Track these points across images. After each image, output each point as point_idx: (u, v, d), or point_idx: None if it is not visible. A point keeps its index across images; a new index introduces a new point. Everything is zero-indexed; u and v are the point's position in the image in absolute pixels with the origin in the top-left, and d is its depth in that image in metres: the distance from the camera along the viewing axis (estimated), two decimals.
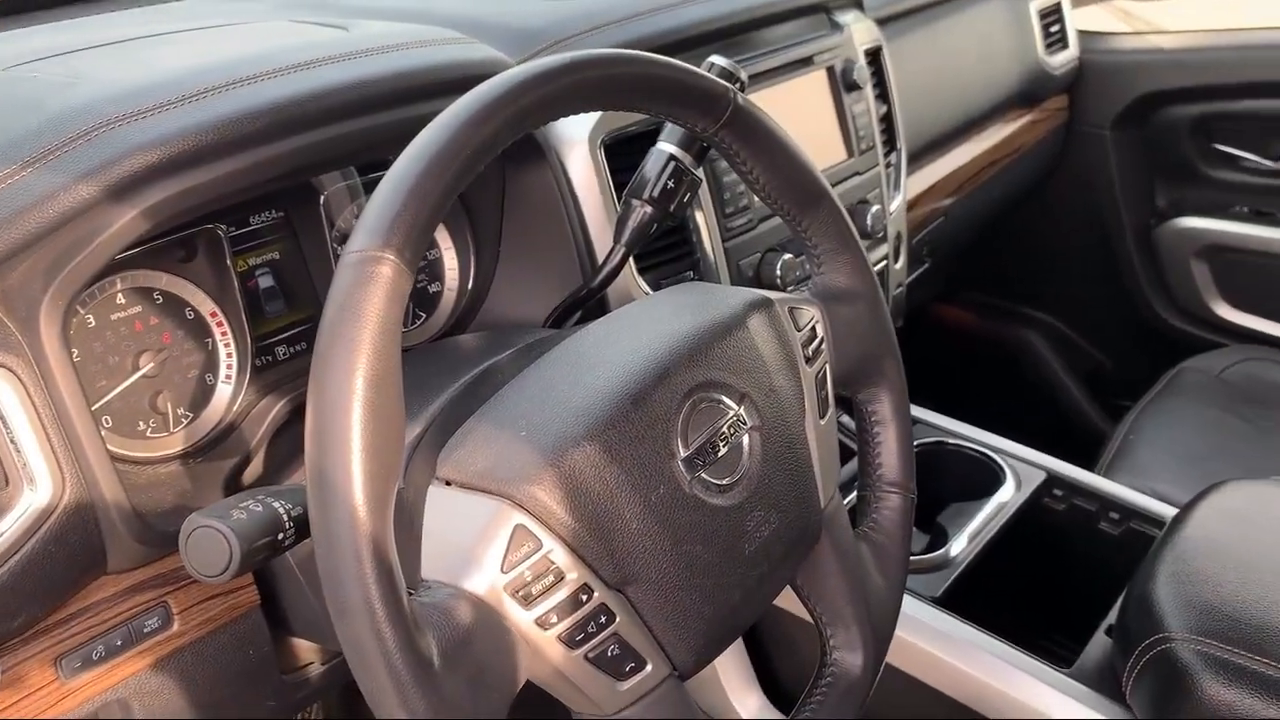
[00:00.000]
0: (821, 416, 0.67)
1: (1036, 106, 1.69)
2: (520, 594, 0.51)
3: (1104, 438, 1.52)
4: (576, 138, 0.88)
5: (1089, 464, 1.44)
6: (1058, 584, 1.13)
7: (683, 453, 0.57)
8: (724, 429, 0.59)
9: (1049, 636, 1.02)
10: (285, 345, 0.77)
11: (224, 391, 0.74)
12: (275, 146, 0.66)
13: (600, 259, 0.86)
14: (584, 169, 0.87)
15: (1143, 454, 1.40)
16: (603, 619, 0.53)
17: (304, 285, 0.78)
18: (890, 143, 1.25)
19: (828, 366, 0.69)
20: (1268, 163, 1.68)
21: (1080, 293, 1.93)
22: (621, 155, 0.90)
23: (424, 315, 0.88)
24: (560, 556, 0.52)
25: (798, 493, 0.63)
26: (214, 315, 0.73)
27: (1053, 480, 1.16)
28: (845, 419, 1.16)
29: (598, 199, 0.87)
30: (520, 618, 0.51)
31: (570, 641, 0.53)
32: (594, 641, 0.53)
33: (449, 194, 0.49)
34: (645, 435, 0.55)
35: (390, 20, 0.89)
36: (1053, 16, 1.70)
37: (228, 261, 0.73)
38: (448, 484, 0.54)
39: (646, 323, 0.62)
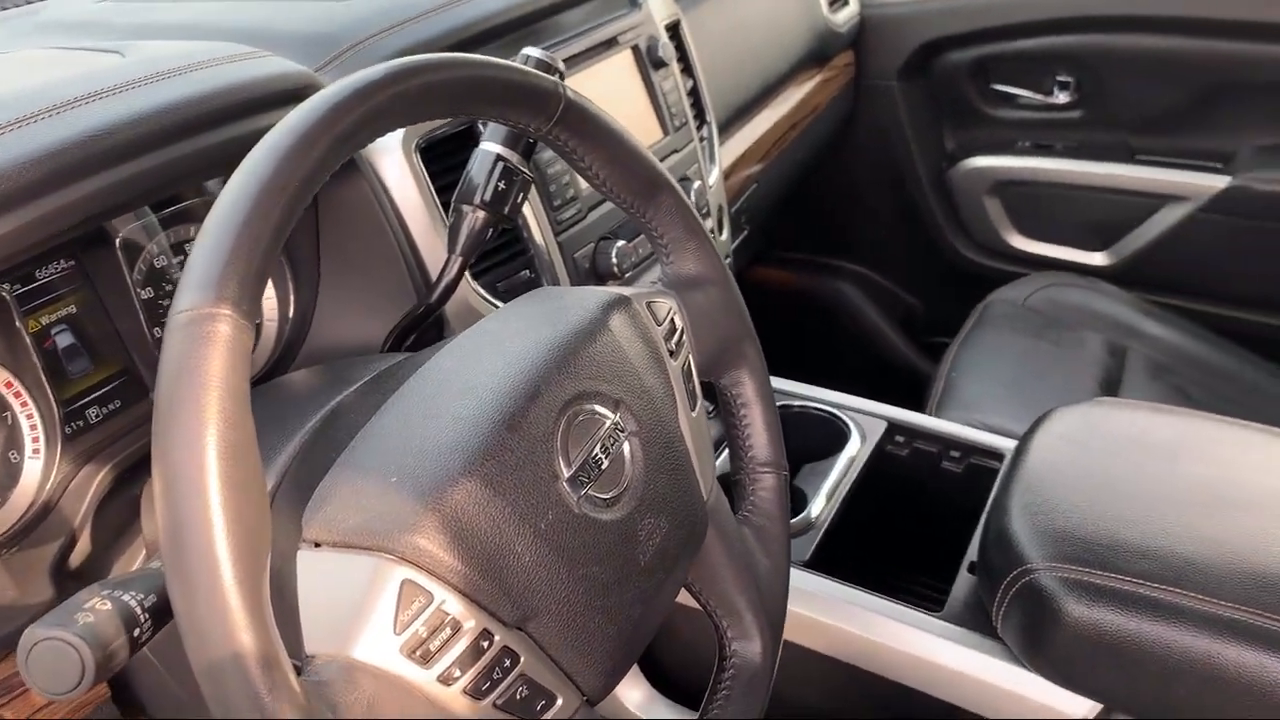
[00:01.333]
0: (692, 409, 0.65)
1: (826, 65, 1.73)
2: (418, 653, 0.48)
3: (927, 378, 1.59)
4: (389, 145, 0.83)
5: (919, 406, 1.50)
6: (916, 529, 1.17)
7: (566, 472, 0.54)
8: (604, 440, 0.56)
9: (918, 581, 1.05)
10: (96, 407, 0.69)
11: (33, 468, 0.66)
12: (58, 197, 0.58)
13: (431, 271, 0.82)
14: (401, 177, 0.83)
15: (967, 389, 1.46)
16: (507, 662, 0.50)
17: (109, 338, 0.70)
18: (700, 116, 1.24)
19: (691, 357, 0.67)
20: (1040, 97, 1.78)
21: (886, 240, 2.00)
22: (439, 158, 0.85)
23: None
24: (454, 606, 0.49)
25: (682, 492, 0.61)
26: (9, 385, 0.65)
27: (893, 428, 1.19)
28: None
29: (421, 208, 0.83)
30: (421, 678, 0.48)
31: (476, 693, 0.49)
32: (501, 687, 0.50)
33: (280, 233, 0.44)
34: (526, 460, 0.52)
35: (167, 39, 0.81)
36: None
37: (17, 324, 0.65)
38: (318, 545, 0.49)
39: (506, 339, 0.58)
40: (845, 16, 1.75)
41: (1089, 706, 0.89)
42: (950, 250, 1.91)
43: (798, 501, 1.06)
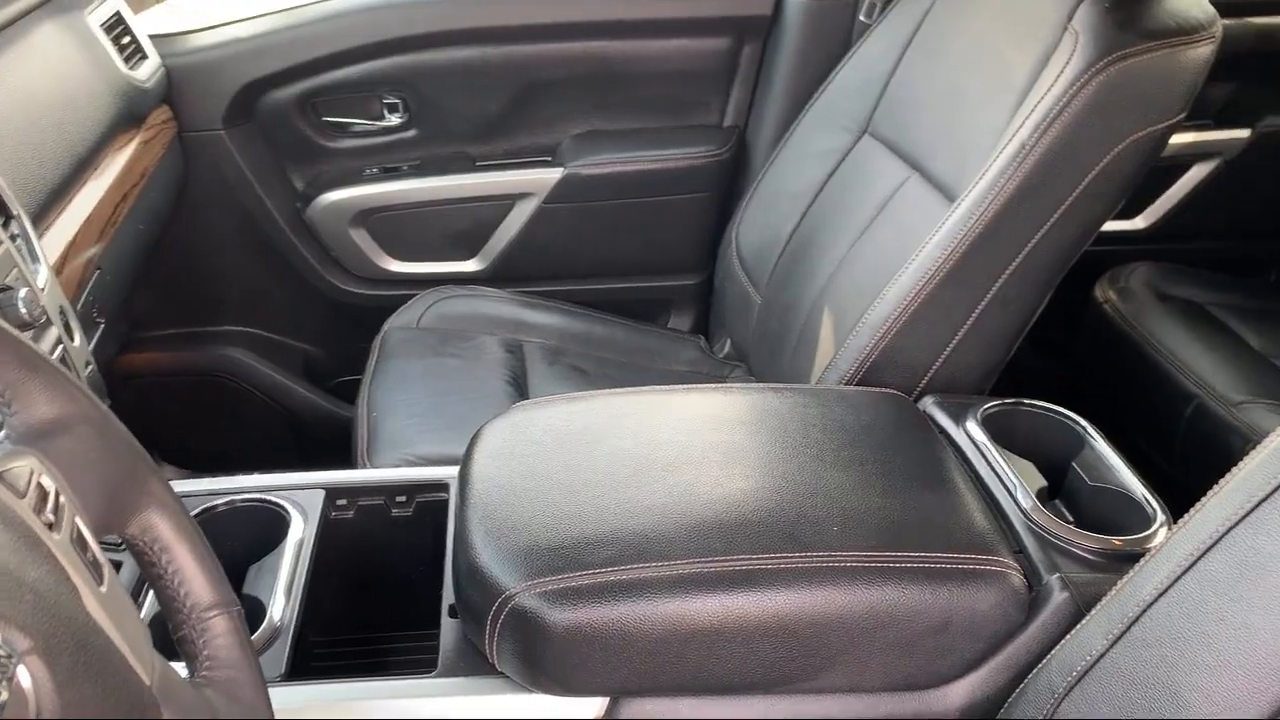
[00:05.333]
0: (100, 583, 0.53)
1: (143, 125, 1.57)
2: None
3: (349, 421, 1.53)
4: None
5: (349, 458, 1.44)
6: (392, 589, 1.12)
7: None
8: None
9: (410, 639, 1.01)
10: None
11: None
12: None
13: None
14: None
15: (391, 427, 1.44)
16: None
17: None
18: (4, 214, 1.04)
19: (79, 520, 0.55)
20: (374, 123, 1.79)
21: (262, 293, 1.89)
22: None
23: None
24: None
25: (116, 692, 0.49)
26: None
27: (333, 493, 1.12)
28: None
29: None
30: None
31: None
32: None
33: None
34: None
35: None
36: (119, 28, 1.57)
37: None
38: None
39: None
40: (148, 71, 1.60)
41: (597, 705, 0.91)
42: (331, 289, 1.86)
43: (254, 613, 0.95)
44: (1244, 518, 0.72)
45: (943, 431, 1.13)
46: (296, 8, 1.71)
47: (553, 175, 1.80)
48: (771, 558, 0.88)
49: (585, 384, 1.58)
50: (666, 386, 1.12)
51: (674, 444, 1.00)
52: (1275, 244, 2.05)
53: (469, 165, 1.83)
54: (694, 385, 1.13)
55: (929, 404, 1.19)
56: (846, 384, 1.22)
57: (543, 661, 0.88)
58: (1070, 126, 1.12)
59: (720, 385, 1.15)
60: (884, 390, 1.18)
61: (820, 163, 1.54)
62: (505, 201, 1.83)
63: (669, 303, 1.97)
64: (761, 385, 1.13)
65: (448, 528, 1.06)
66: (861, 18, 1.69)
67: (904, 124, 1.42)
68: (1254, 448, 0.76)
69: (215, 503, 1.08)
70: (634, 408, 1.08)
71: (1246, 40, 1.78)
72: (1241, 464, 0.75)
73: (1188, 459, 1.56)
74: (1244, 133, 1.88)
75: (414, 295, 1.74)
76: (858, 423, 1.07)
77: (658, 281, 1.93)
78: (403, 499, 1.13)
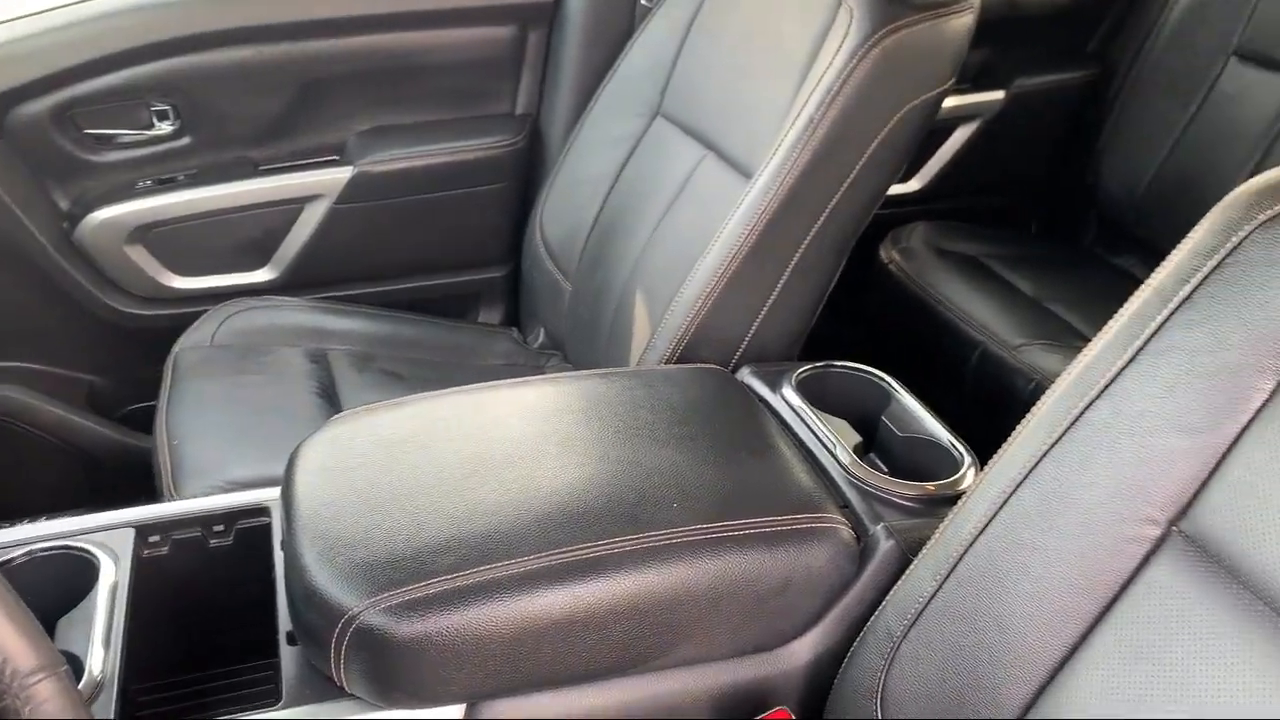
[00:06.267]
0: None
1: None
2: None
3: (148, 451, 1.44)
4: None
5: (153, 492, 1.36)
6: (221, 626, 1.06)
7: None
8: None
9: (253, 672, 0.96)
10: None
11: None
12: None
13: None
14: None
15: (197, 454, 1.36)
16: None
17: None
18: None
19: None
20: (142, 133, 1.68)
21: (35, 323, 1.74)
22: None
23: None
24: None
25: None
26: None
27: (143, 530, 1.05)
28: None
29: None
30: None
31: None
32: None
33: None
34: None
35: None
36: None
37: None
38: None
39: None
40: None
41: (455, 712, 0.90)
42: (110, 313, 1.73)
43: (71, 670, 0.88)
44: (1046, 453, 0.79)
45: (762, 400, 1.17)
46: (45, 11, 1.57)
47: (342, 175, 1.74)
48: (617, 542, 0.89)
49: (400, 388, 1.55)
50: (490, 382, 1.11)
51: (506, 440, 1.00)
52: (1034, 196, 2.22)
53: (251, 170, 1.74)
54: (519, 379, 1.12)
55: (746, 374, 1.23)
56: (667, 363, 1.25)
57: (394, 677, 0.85)
58: (853, 98, 1.18)
59: (545, 376, 1.14)
60: (704, 365, 1.21)
61: (616, 147, 1.56)
62: (294, 205, 1.75)
63: (477, 297, 1.94)
64: (586, 372, 1.13)
65: (274, 553, 1.02)
66: (643, 1, 1.71)
67: (694, 105, 1.45)
68: (1036, 386, 0.83)
69: (11, 555, 0.99)
70: (460, 407, 1.06)
71: (998, 7, 1.92)
72: (1038, 405, 0.82)
73: (978, 402, 1.68)
74: (999, 94, 2.02)
75: (204, 311, 1.65)
76: (684, 400, 1.09)
77: (464, 276, 1.91)
78: (220, 528, 1.07)
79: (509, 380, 1.12)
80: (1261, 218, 0.72)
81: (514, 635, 0.86)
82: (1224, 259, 0.72)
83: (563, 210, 1.65)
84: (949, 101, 1.96)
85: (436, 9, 1.71)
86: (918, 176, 2.08)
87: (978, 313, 1.74)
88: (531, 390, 1.10)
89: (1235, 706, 0.65)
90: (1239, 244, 0.72)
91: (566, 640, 0.87)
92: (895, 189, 2.02)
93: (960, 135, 2.04)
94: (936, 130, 2.01)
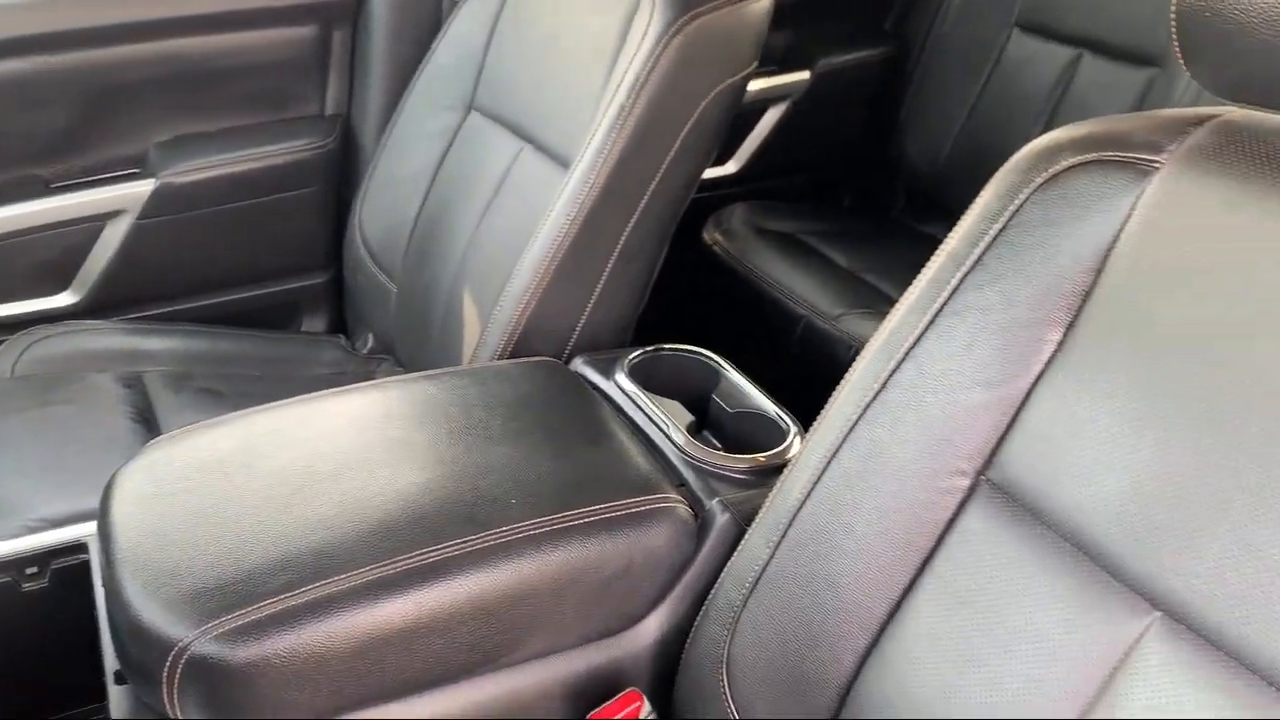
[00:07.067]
0: None
1: None
2: None
3: None
4: None
5: None
6: (42, 673, 1.00)
7: None
8: None
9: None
10: None
11: None
12: None
13: None
14: None
15: (1, 492, 1.27)
16: None
17: None
18: None
19: None
20: None
21: None
22: None
23: None
24: None
25: None
26: None
27: None
28: None
29: None
30: None
31: None
32: None
33: None
34: None
35: None
36: None
37: None
38: None
39: None
40: None
41: None
42: None
43: None
44: (860, 416, 0.82)
45: (596, 387, 1.18)
46: None
47: (145, 188, 1.65)
48: (456, 544, 0.88)
49: (222, 406, 1.48)
50: (315, 393, 1.08)
51: (335, 451, 0.97)
52: (845, 171, 2.31)
53: (42, 189, 1.63)
54: (345, 387, 1.09)
55: (579, 364, 1.23)
56: (499, 358, 1.24)
57: (234, 705, 0.83)
58: (661, 85, 1.20)
59: (372, 382, 1.12)
60: (537, 359, 1.21)
61: (432, 143, 1.53)
62: (94, 223, 1.65)
63: (299, 305, 1.88)
64: (415, 375, 1.12)
65: (95, 590, 0.97)
66: None
67: (507, 97, 1.45)
68: (856, 353, 0.87)
69: None
70: (284, 421, 1.03)
71: None
72: (850, 370, 0.85)
73: (805, 372, 1.73)
74: (805, 75, 2.09)
75: (1, 342, 1.54)
76: (516, 394, 1.09)
77: (283, 285, 1.84)
78: (34, 570, 1.02)
79: (334, 390, 1.09)
80: (1039, 180, 0.77)
81: (356, 649, 0.84)
82: (1008, 222, 0.77)
83: (382, 210, 1.61)
84: (758, 84, 2.02)
85: (232, 11, 1.65)
86: (734, 159, 2.13)
87: (799, 287, 1.80)
88: (358, 398, 1.07)
89: (1044, 638, 0.70)
90: (1020, 206, 0.77)
91: (411, 649, 0.86)
92: (713, 172, 2.08)
93: (771, 117, 2.10)
94: (748, 113, 2.06)
